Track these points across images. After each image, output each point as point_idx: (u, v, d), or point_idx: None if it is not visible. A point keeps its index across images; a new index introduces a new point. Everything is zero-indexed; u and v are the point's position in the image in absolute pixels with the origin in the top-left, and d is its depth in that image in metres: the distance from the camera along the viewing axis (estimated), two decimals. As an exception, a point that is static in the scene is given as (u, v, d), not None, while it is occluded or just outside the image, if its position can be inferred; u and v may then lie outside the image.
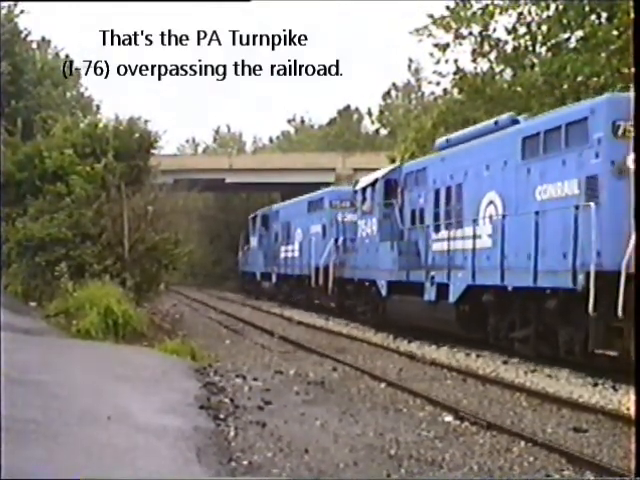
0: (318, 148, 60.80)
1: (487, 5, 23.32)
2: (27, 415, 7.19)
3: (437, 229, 16.97)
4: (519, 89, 22.79)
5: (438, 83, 26.50)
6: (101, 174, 18.82)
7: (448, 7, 24.02)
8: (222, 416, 8.88)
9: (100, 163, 18.98)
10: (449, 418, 9.41)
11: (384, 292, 19.12)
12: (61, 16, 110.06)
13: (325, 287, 24.18)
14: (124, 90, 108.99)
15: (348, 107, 69.41)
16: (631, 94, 11.57)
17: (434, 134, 24.72)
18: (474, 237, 15.02)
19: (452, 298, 15.62)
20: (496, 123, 15.53)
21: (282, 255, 32.53)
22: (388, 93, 66.27)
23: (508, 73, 24.72)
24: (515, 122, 14.97)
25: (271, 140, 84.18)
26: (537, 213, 12.89)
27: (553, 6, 21.28)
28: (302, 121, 79.49)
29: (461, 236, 15.73)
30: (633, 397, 8.42)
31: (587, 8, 19.90)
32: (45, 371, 9.78)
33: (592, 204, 11.55)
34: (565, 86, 19.03)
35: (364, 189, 21.20)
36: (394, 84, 65.84)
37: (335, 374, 12.82)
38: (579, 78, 18.18)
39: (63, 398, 8.36)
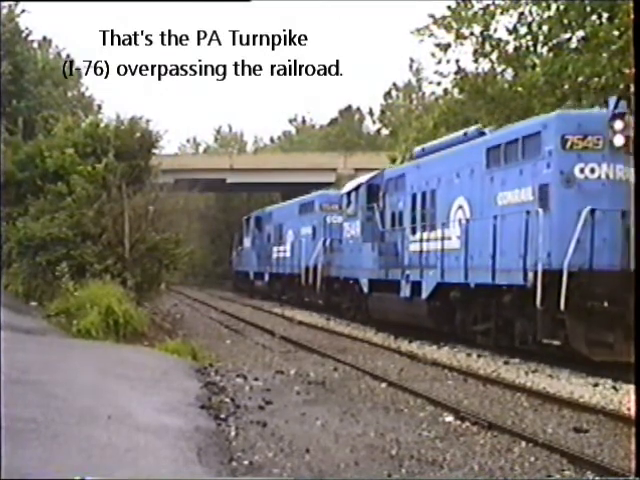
0: (319, 148, 60.83)
1: (488, 5, 23.31)
2: (27, 415, 7.18)
3: (413, 231, 18.17)
4: (520, 89, 22.76)
5: (439, 83, 26.46)
6: (102, 174, 18.82)
7: (449, 7, 24.00)
8: (223, 416, 8.88)
9: (101, 163, 18.97)
10: (450, 418, 9.41)
11: (366, 289, 20.64)
12: (62, 16, 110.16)
13: (314, 285, 25.59)
14: (125, 90, 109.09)
15: (349, 107, 69.53)
16: (582, 110, 14.69)
17: (435, 134, 24.69)
18: (443, 239, 16.36)
19: (424, 295, 16.99)
20: (465, 134, 16.76)
21: (274, 255, 33.79)
22: (389, 93, 66.35)
23: (509, 73, 24.70)
24: (482, 134, 16.18)
25: (272, 140, 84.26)
26: (495, 217, 14.22)
27: (554, 6, 21.25)
28: (303, 121, 79.58)
29: (433, 238, 16.97)
30: (633, 397, 8.42)
31: (588, 8, 19.87)
32: (45, 371, 9.78)
33: (540, 210, 12.92)
34: (566, 86, 19.01)
35: (349, 193, 22.55)
36: (395, 84, 65.95)
37: (336, 374, 12.81)
38: (580, 78, 18.16)
39: (63, 398, 8.35)
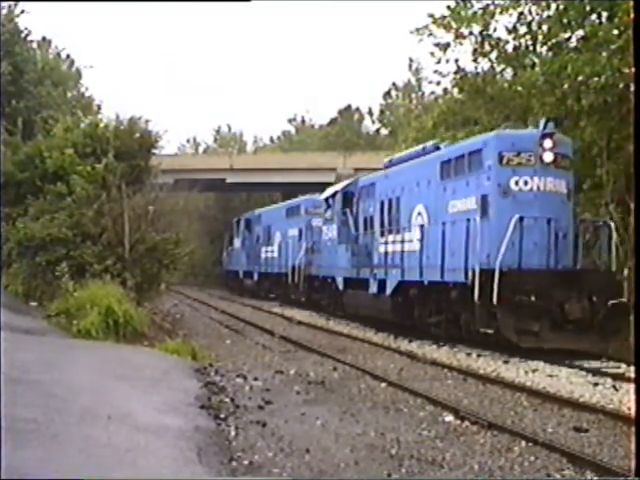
0: (319, 148, 60.76)
1: (487, 5, 23.30)
2: (27, 415, 7.18)
3: (381, 234, 19.96)
4: (520, 89, 22.74)
5: (438, 83, 26.42)
6: (102, 174, 18.82)
7: (449, 7, 23.99)
8: (223, 416, 8.88)
9: (101, 163, 18.98)
10: (450, 418, 9.41)
11: (341, 287, 22.73)
12: (62, 16, 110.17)
13: (299, 283, 27.98)
14: (125, 90, 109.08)
15: (349, 107, 69.46)
16: (516, 131, 16.36)
17: (435, 134, 24.68)
18: (404, 241, 18.21)
19: (388, 291, 18.83)
20: (424, 149, 18.66)
21: (263, 255, 35.93)
22: (388, 93, 66.35)
23: (509, 73, 24.68)
24: (437, 148, 18.14)
25: (272, 140, 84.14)
26: (445, 223, 16.06)
27: (554, 6, 21.22)
28: (303, 121, 79.47)
29: (397, 240, 18.78)
30: (633, 397, 8.43)
31: (588, 8, 19.83)
32: (45, 371, 9.78)
33: (477, 217, 14.78)
34: (566, 86, 18.94)
35: (327, 199, 24.59)
36: (394, 84, 65.94)
37: (336, 374, 12.82)
38: (580, 78, 18.10)
39: (63, 398, 8.35)
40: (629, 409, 9.51)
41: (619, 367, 13.28)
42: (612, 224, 15.33)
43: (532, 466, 7.41)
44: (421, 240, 17.21)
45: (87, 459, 6.24)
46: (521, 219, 14.17)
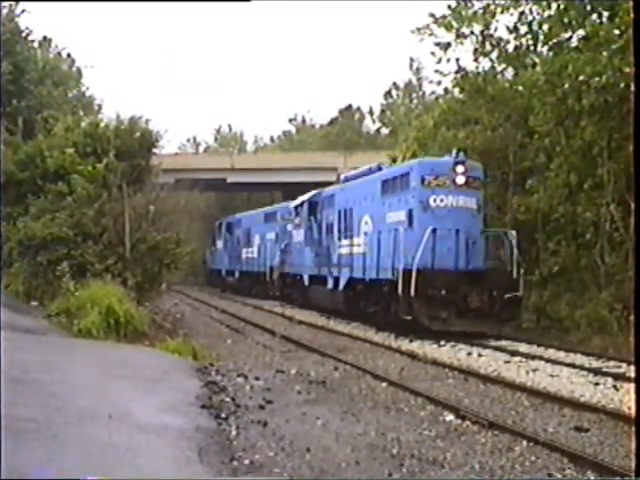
0: (319, 147, 60.73)
1: (488, 4, 23.29)
2: (28, 414, 7.19)
3: (339, 238, 23.12)
4: (520, 88, 22.76)
5: (439, 82, 26.43)
6: (102, 173, 18.83)
7: (450, 6, 23.99)
8: (224, 415, 8.88)
9: (101, 162, 19.00)
10: (450, 417, 9.41)
11: (307, 283, 26.20)
12: (62, 15, 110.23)
13: (275, 281, 31.71)
14: (125, 89, 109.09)
15: (349, 106, 69.41)
16: (435, 159, 19.72)
17: (435, 133, 24.69)
18: (353, 245, 21.62)
19: (341, 287, 22.23)
20: (370, 169, 22.20)
21: (243, 256, 38.94)
22: (389, 92, 66.31)
23: (510, 72, 24.68)
24: (380, 169, 21.74)
25: (272, 139, 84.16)
26: (380, 232, 19.35)
27: (554, 5, 21.22)
28: (303, 120, 79.48)
29: (349, 244, 22.08)
30: (634, 396, 8.42)
31: (588, 7, 19.82)
32: (46, 370, 9.78)
33: (404, 227, 18.01)
34: (567, 85, 18.95)
35: (296, 207, 28.02)
36: (395, 83, 65.91)
37: (336, 373, 12.81)
38: (580, 77, 18.10)
39: (64, 397, 8.36)
40: (630, 409, 9.50)
41: (620, 367, 13.29)
42: (514, 233, 18.53)
43: (533, 466, 7.41)
44: (365, 244, 20.52)
45: (87, 459, 6.24)
46: (434, 230, 17.38)
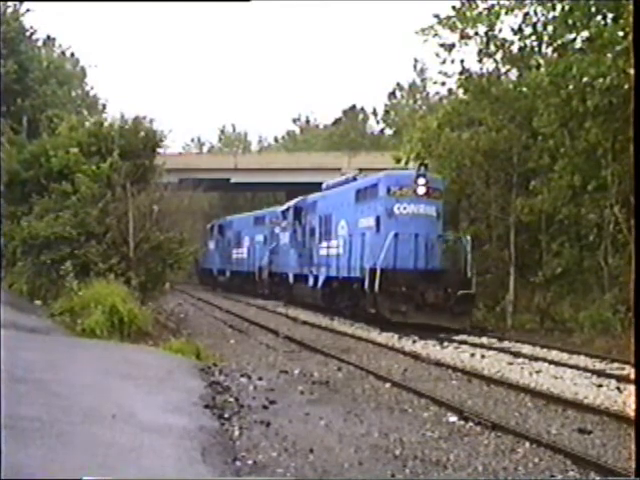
0: (323, 148, 60.76)
1: (493, 5, 23.28)
2: (31, 414, 7.19)
3: (319, 241, 25.39)
4: (525, 89, 22.75)
5: (443, 83, 26.44)
6: (106, 173, 18.82)
7: (454, 7, 23.98)
8: (227, 415, 8.89)
9: (106, 162, 18.98)
10: (454, 418, 9.41)
11: (291, 281, 28.68)
12: (66, 15, 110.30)
13: (263, 279, 34.44)
14: (130, 89, 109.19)
15: (353, 107, 69.36)
16: (400, 171, 23.02)
17: (439, 134, 24.67)
18: (330, 247, 24.00)
19: (319, 285, 24.68)
20: (347, 179, 25.02)
21: (234, 256, 41.34)
22: (393, 93, 66.25)
23: (514, 73, 24.67)
24: (355, 179, 24.29)
25: (276, 140, 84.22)
26: (353, 235, 21.89)
27: (559, 6, 21.21)
28: (307, 121, 79.53)
29: (328, 246, 24.36)
30: (634, 398, 8.42)
31: (593, 9, 19.81)
32: (49, 370, 9.79)
33: (372, 231, 20.48)
34: (571, 87, 18.95)
35: (284, 212, 30.54)
36: (399, 84, 65.85)
37: (340, 374, 12.82)
38: (585, 79, 18.10)
39: (67, 397, 8.36)
40: (633, 410, 9.49)
41: (623, 368, 13.29)
42: (468, 238, 20.83)
43: (536, 467, 7.41)
44: (340, 247, 22.89)
45: (91, 458, 6.25)
46: (396, 234, 19.64)
